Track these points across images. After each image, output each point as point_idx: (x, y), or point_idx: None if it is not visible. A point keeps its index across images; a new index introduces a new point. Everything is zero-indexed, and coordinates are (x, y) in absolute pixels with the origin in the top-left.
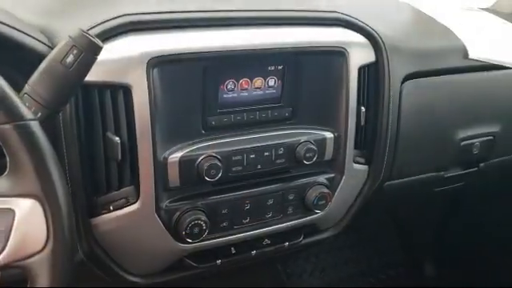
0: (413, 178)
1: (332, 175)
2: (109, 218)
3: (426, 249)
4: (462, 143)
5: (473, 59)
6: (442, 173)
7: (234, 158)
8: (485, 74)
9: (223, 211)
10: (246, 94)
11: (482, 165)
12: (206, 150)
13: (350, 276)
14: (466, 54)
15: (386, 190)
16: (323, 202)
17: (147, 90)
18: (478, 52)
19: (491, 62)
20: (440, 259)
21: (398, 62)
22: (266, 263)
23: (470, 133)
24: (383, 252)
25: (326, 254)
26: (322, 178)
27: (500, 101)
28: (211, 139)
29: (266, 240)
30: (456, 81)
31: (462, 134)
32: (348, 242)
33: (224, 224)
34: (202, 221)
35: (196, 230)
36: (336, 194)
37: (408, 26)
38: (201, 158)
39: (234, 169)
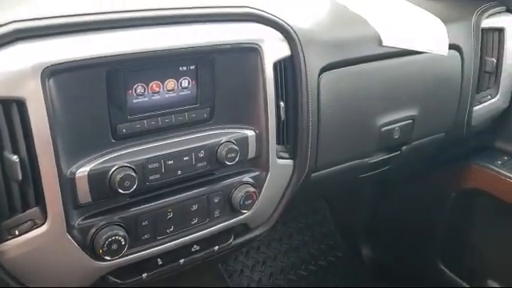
0: (338, 166)
1: (257, 173)
2: (16, 244)
3: (361, 231)
4: (383, 129)
5: (387, 46)
6: (367, 159)
7: (150, 167)
8: (399, 59)
9: (144, 223)
10: (158, 97)
11: (403, 148)
12: (117, 160)
13: (291, 265)
14: (379, 42)
15: (314, 181)
16: (250, 201)
17: (44, 103)
18: (391, 39)
19: (404, 47)
20: (375, 240)
21: (313, 55)
22: (206, 263)
23: (389, 118)
24: (321, 238)
25: (266, 247)
26: (247, 177)
27: (415, 85)
28: (123, 148)
29: (195, 246)
30: (372, 69)
31: (382, 121)
32: (287, 231)
33: (146, 236)
34: (120, 236)
35: (114, 246)
36: (263, 191)
37: (322, 16)
38: (113, 170)
39: (151, 177)
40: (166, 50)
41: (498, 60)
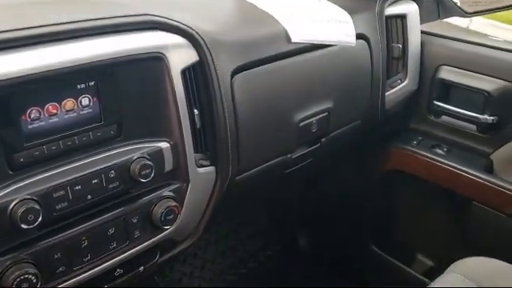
0: (262, 166)
1: (177, 185)
2: None
3: (295, 222)
4: (301, 124)
5: (296, 42)
6: (289, 155)
7: (55, 195)
8: (310, 54)
9: (56, 256)
10: (57, 119)
11: (323, 140)
12: (17, 193)
13: (230, 266)
14: (289, 39)
15: (239, 184)
16: (172, 216)
17: None
18: (299, 35)
19: (314, 42)
20: (310, 228)
21: (223, 57)
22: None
23: (306, 113)
24: (257, 234)
25: (203, 251)
26: (166, 191)
27: (328, 78)
28: (23, 179)
29: (118, 270)
30: (284, 66)
31: (299, 116)
32: (222, 232)
33: (61, 269)
34: (30, 274)
35: (25, 285)
36: (185, 203)
37: (230, 17)
38: (13, 204)
39: (57, 207)
40: (57, 68)
41: (403, 45)
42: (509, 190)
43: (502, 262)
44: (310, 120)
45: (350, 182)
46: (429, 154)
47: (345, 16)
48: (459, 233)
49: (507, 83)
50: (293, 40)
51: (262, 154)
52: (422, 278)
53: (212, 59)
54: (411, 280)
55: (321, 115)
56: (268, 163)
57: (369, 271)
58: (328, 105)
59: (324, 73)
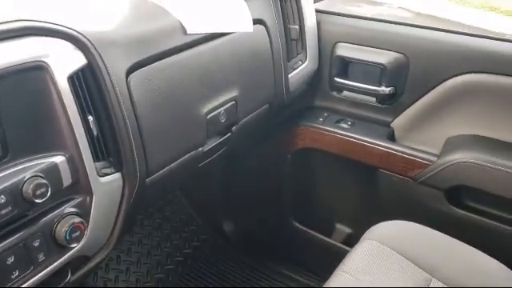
0: (173, 164)
1: (80, 200)
2: None
3: (218, 208)
4: (209, 116)
5: (192, 34)
6: (200, 149)
7: None
8: (208, 45)
9: None
10: None
11: (233, 128)
12: None
13: (157, 264)
14: (184, 31)
15: (150, 186)
16: (78, 232)
17: None
18: (194, 26)
19: (210, 32)
20: (234, 213)
21: (115, 57)
22: None
23: (212, 104)
24: (182, 227)
25: (126, 254)
26: (68, 208)
27: (230, 66)
28: None
29: None
30: (183, 59)
31: (205, 108)
32: (145, 231)
33: None
34: None
35: None
36: (92, 216)
37: (118, 13)
38: None
39: None
40: None
41: (300, 26)
42: (410, 155)
43: (412, 223)
44: (218, 111)
45: (266, 163)
46: (335, 129)
47: (239, 2)
48: (372, 200)
49: (399, 55)
50: (188, 32)
51: (170, 152)
52: (342, 246)
53: (102, 60)
54: (332, 249)
55: (228, 104)
56: (179, 160)
57: (293, 247)
58: (234, 93)
59: (224, 62)
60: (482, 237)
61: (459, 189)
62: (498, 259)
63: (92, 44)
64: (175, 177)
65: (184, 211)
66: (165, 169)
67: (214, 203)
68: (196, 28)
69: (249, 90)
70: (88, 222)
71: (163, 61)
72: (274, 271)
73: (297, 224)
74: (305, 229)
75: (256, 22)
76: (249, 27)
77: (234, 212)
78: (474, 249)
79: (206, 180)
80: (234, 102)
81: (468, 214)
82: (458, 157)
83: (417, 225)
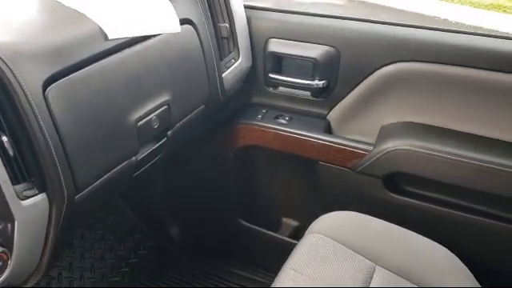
0: (104, 177)
1: (0, 228)
2: None
3: (163, 213)
4: (140, 123)
5: (114, 39)
6: (133, 158)
7: None
8: (133, 49)
9: None
10: None
11: (168, 133)
12: None
13: (101, 277)
14: (105, 37)
15: (81, 202)
16: (0, 263)
17: None
18: (116, 31)
19: (133, 35)
20: (180, 217)
21: (30, 69)
22: None
23: (143, 111)
24: (126, 236)
25: (68, 271)
26: None
27: (159, 70)
28: None
29: None
30: (106, 66)
31: (135, 115)
32: (87, 245)
33: None
34: None
35: None
36: (15, 244)
37: (32, 22)
38: None
39: None
40: None
41: (230, 24)
42: (347, 146)
43: (353, 212)
44: (149, 117)
45: (208, 164)
46: (274, 125)
47: (164, 3)
48: (315, 192)
49: (330, 48)
50: (110, 37)
51: (100, 165)
52: (291, 240)
53: (13, 74)
54: (281, 244)
55: (160, 109)
56: (110, 172)
57: (243, 246)
58: (165, 97)
59: (152, 65)
60: (422, 220)
61: (396, 175)
62: (437, 241)
63: (0, 58)
64: (108, 189)
65: (127, 220)
66: (95, 183)
67: (159, 208)
68: (118, 33)
69: (182, 92)
70: (11, 250)
71: (84, 70)
72: (226, 272)
73: (244, 222)
74: (253, 226)
75: (183, 21)
76: (176, 28)
77: (180, 215)
78: (414, 233)
79: (147, 185)
80: (166, 107)
81: (406, 199)
82: (392, 145)
83: (358, 214)
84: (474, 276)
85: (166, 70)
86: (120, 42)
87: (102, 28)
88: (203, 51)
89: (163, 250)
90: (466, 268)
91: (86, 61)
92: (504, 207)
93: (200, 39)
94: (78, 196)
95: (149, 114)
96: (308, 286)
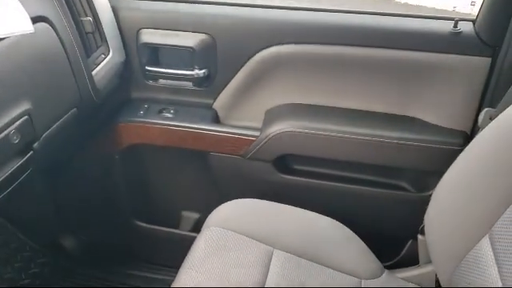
0: None
1: None
2: None
3: (53, 228)
4: None
5: None
6: None
7: None
8: None
9: None
10: None
11: (35, 145)
12: None
13: None
14: None
15: None
16: None
17: None
18: None
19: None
20: (72, 228)
21: None
22: None
23: None
24: (14, 256)
25: None
26: None
27: (15, 76)
28: None
29: None
30: None
31: None
32: None
33: None
34: None
35: None
36: None
37: None
38: None
39: None
40: None
41: (94, 17)
42: (235, 134)
43: (249, 199)
44: (7, 131)
45: (94, 167)
46: (158, 121)
47: (11, 2)
48: (210, 183)
49: (206, 35)
50: None
51: None
52: (191, 233)
53: None
54: (181, 239)
55: (19, 121)
56: None
57: (144, 247)
58: (25, 106)
59: (4, 73)
60: (313, 197)
61: (284, 157)
62: (329, 213)
63: None
64: None
65: (13, 238)
66: None
67: (46, 221)
68: None
69: (45, 98)
70: None
71: None
72: (129, 277)
73: (141, 223)
74: (151, 226)
75: (37, 19)
76: (28, 27)
77: (70, 225)
78: (307, 211)
79: (28, 199)
80: (27, 117)
81: (297, 178)
82: (276, 128)
83: (253, 200)
84: (364, 241)
85: (23, 75)
86: None
87: None
88: (65, 50)
89: (58, 265)
90: (352, 233)
91: None
92: (385, 175)
93: (59, 37)
94: None
95: (6, 128)
96: (206, 287)
